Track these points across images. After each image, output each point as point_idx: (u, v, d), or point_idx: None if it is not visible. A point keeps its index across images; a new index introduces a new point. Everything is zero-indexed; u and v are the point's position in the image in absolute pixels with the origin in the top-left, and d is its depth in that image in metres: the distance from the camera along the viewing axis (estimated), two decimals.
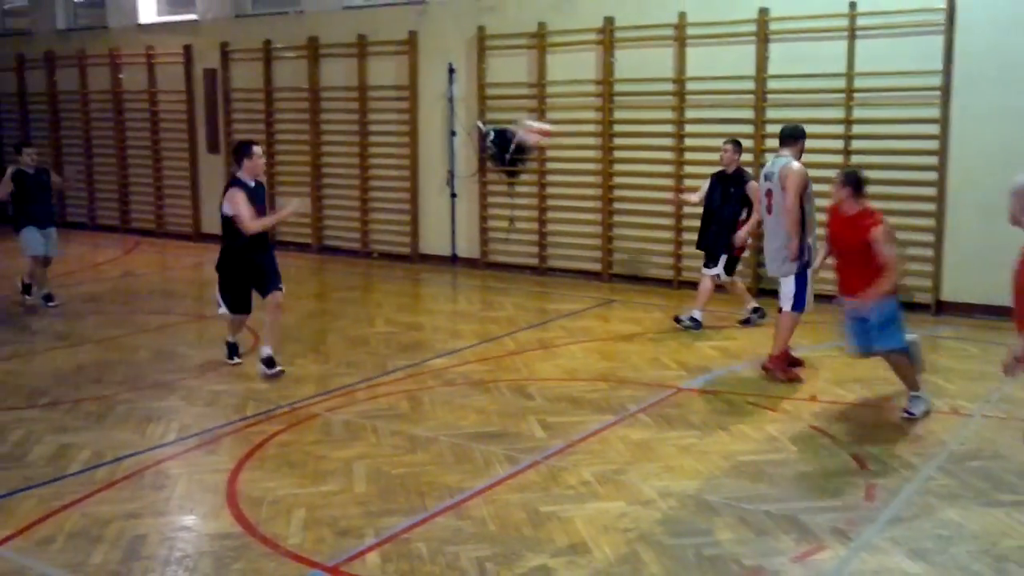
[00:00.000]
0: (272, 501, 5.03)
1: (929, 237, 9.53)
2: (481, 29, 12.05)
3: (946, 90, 9.28)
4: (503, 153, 12.01)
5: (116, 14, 15.90)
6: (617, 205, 11.48)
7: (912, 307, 9.46)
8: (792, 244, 7.14)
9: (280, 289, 7.58)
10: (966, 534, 4.50)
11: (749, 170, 9.28)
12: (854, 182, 6.31)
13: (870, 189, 9.51)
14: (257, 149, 7.54)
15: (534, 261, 12.09)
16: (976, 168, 9.18)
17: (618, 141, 11.39)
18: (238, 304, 7.68)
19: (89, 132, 16.31)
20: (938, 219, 9.46)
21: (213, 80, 14.59)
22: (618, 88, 11.25)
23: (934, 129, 9.37)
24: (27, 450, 5.85)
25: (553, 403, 6.71)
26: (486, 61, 12.13)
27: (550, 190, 11.97)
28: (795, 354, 7.52)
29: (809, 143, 9.76)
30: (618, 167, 11.37)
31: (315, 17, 13.57)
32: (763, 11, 10.14)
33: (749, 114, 10.36)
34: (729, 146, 8.92)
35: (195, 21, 14.90)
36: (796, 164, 7.28)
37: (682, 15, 10.63)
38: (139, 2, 15.60)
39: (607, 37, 11.17)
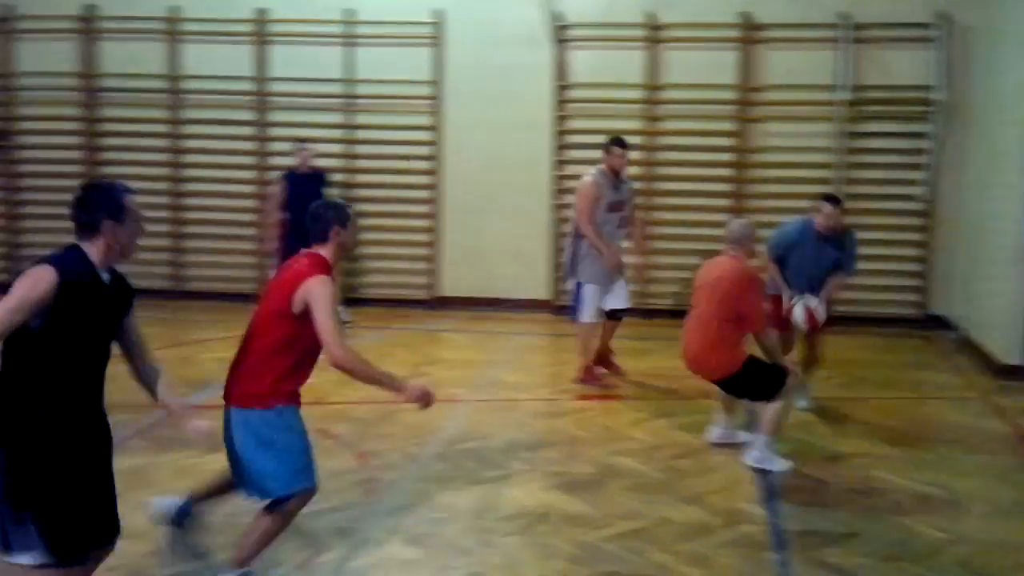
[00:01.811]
0: None
1: (427, 237, 10.29)
2: None
3: (438, 100, 10.10)
4: None
5: None
6: None
7: (413, 303, 10.17)
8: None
9: None
10: (458, 513, 4.83)
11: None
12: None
13: (372, 193, 10.19)
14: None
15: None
16: (466, 173, 10.11)
17: (106, 142, 10.56)
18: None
19: None
20: (434, 220, 10.25)
21: None
22: (105, 83, 10.44)
23: (429, 136, 10.14)
24: None
25: None
26: None
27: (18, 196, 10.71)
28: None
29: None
30: (106, 170, 10.53)
31: None
32: (261, 12, 10.13)
33: (250, 116, 10.28)
34: (308, 145, 9.09)
35: None
36: (585, 178, 7.16)
37: (174, 9, 10.19)
38: None
39: (91, 26, 10.31)
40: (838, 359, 7.61)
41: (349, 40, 10.07)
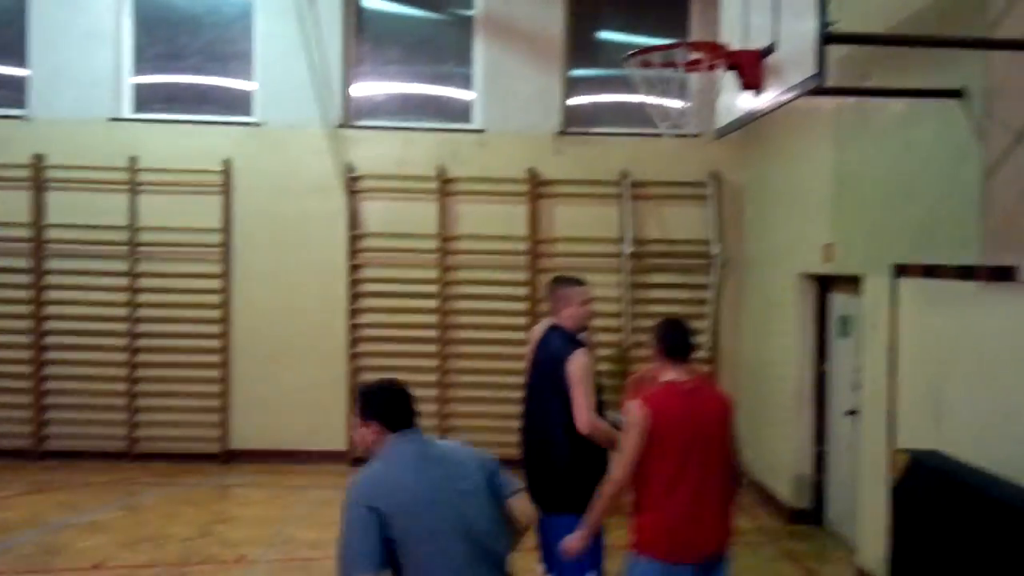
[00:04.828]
0: None
1: (216, 388, 10.70)
2: None
3: (227, 248, 10.74)
4: None
5: None
6: None
7: (202, 457, 10.47)
8: None
9: None
10: None
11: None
12: None
13: (159, 343, 10.56)
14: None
15: None
16: (257, 321, 10.69)
17: None
18: None
19: None
20: (224, 370, 10.71)
21: None
22: None
23: (217, 284, 10.70)
24: None
25: None
26: None
27: None
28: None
29: (95, 295, 10.50)
30: None
31: None
32: (38, 157, 10.53)
33: (24, 263, 10.53)
34: None
35: None
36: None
37: None
38: None
39: None
40: None
41: (132, 187, 10.60)
